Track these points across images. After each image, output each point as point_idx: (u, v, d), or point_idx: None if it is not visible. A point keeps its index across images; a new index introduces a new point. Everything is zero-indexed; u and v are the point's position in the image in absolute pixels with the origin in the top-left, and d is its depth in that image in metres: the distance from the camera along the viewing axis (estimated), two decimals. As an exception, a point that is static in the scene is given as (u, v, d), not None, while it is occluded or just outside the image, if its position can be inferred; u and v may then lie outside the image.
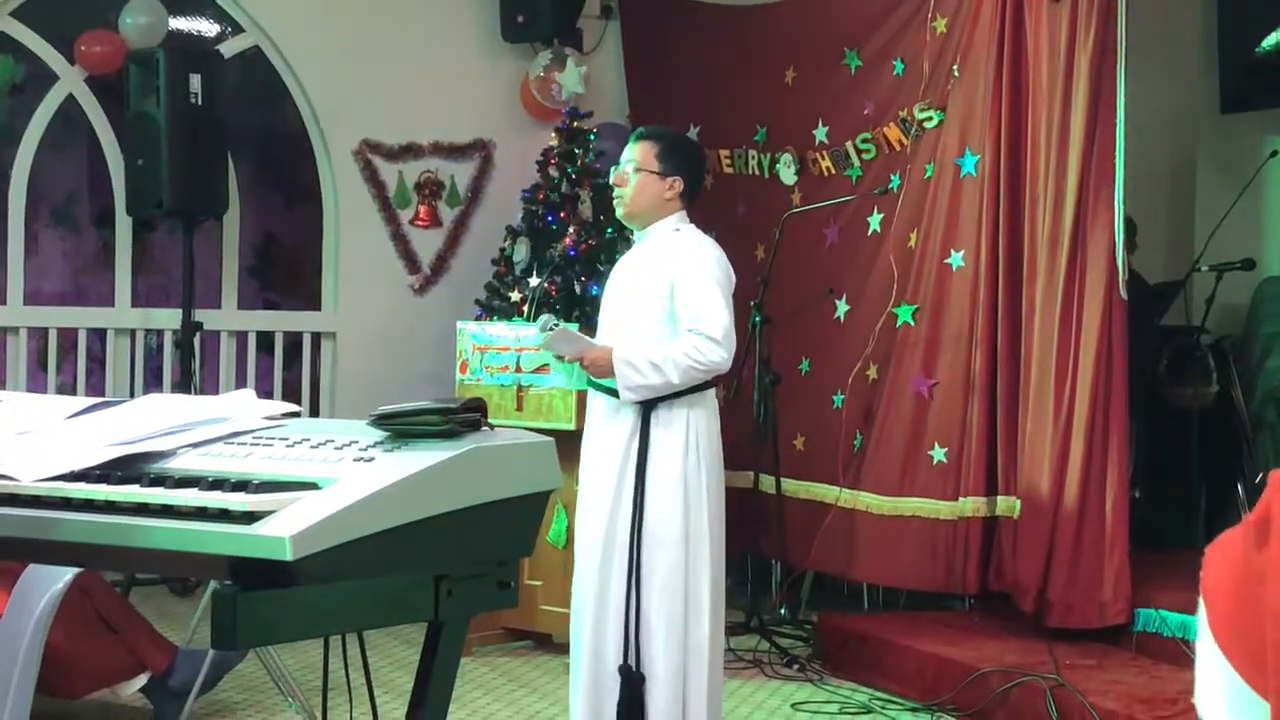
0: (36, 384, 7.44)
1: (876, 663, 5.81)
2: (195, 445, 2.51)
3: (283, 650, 5.27)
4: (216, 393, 7.22)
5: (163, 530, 2.25)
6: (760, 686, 5.81)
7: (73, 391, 7.48)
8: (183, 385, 7.15)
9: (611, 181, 4.51)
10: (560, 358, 4.49)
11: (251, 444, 2.49)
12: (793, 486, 6.74)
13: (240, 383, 7.62)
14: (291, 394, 7.87)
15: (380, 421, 2.45)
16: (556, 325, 4.42)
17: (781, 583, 6.91)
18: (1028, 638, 5.67)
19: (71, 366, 7.74)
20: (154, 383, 7.69)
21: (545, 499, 2.55)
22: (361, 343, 7.86)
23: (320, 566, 2.17)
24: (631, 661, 4.29)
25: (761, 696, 5.67)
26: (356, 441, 2.41)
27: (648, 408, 4.33)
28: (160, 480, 2.36)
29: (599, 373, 4.34)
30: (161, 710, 5.06)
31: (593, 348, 4.36)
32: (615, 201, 4.51)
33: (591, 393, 4.50)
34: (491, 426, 2.50)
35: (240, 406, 2.64)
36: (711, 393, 4.46)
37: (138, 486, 2.36)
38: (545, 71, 7.80)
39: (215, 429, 2.55)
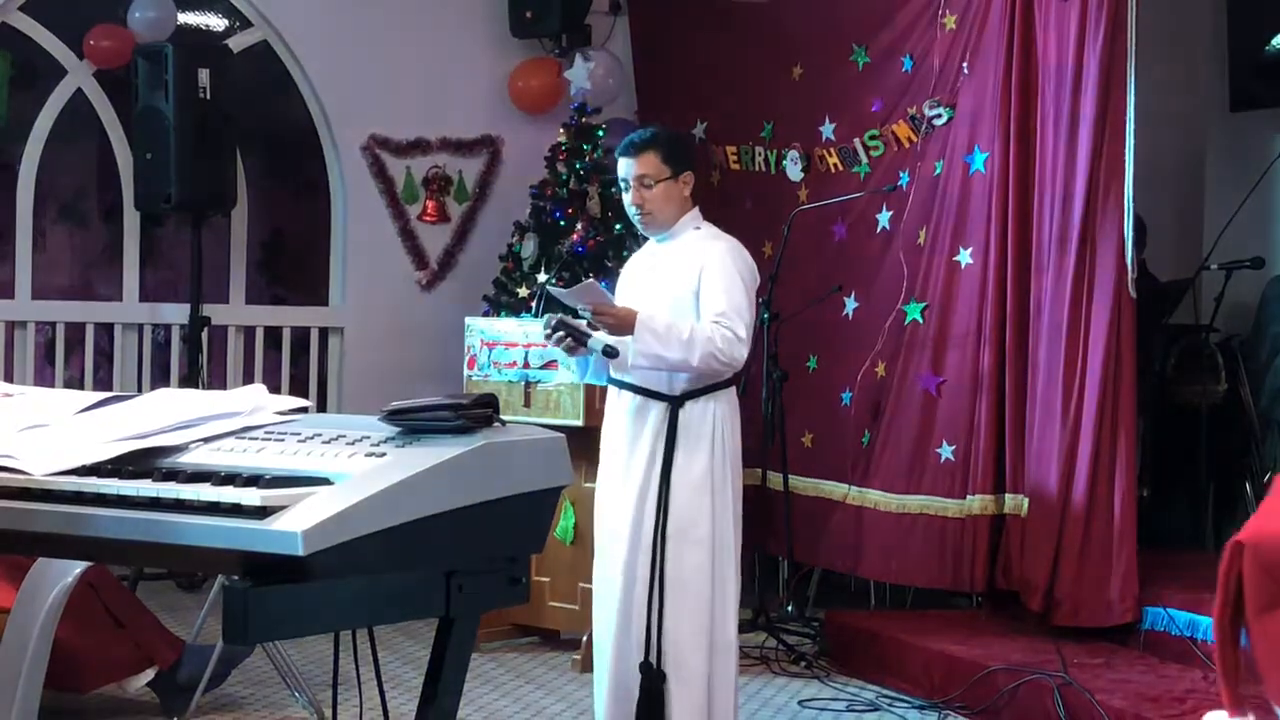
0: (44, 378, 7.45)
1: (884, 660, 5.81)
2: (207, 440, 2.51)
3: (290, 645, 5.27)
4: (224, 388, 7.23)
5: (175, 525, 2.25)
6: (768, 683, 5.81)
7: (80, 386, 7.48)
8: (190, 380, 7.15)
9: (630, 202, 4.45)
10: (568, 339, 4.35)
11: (263, 439, 2.49)
12: (801, 484, 6.73)
13: (248, 378, 7.63)
14: (299, 389, 7.87)
15: (392, 417, 2.45)
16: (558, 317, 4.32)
17: (789, 580, 6.90)
18: (1035, 636, 5.67)
19: (79, 361, 7.74)
20: (161, 377, 7.69)
21: (557, 495, 2.55)
22: (369, 338, 7.85)
23: (332, 562, 2.16)
24: (653, 659, 4.29)
25: (769, 693, 5.67)
26: (368, 437, 2.41)
27: (675, 405, 4.32)
28: (172, 475, 2.36)
29: (616, 330, 4.24)
30: (169, 705, 5.07)
31: (616, 306, 4.29)
32: (640, 221, 4.43)
33: (613, 390, 4.48)
34: (503, 422, 2.50)
35: (251, 401, 2.63)
36: (733, 389, 4.46)
37: (149, 481, 2.36)
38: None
39: (227, 424, 2.55)
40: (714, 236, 4.46)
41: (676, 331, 4.22)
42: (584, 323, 4.30)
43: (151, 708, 5.14)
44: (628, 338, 4.22)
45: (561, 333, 4.25)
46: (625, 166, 4.44)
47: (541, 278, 6.93)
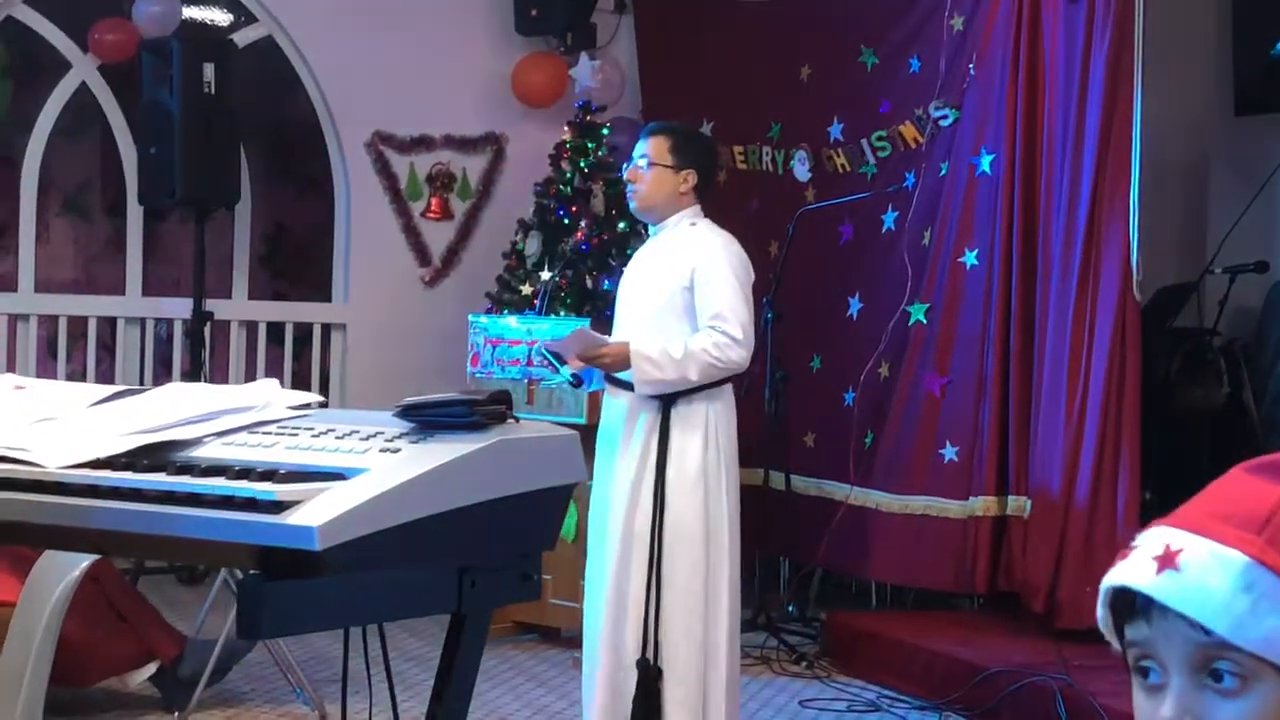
0: (46, 371, 7.45)
1: (885, 661, 5.81)
2: (220, 434, 2.50)
3: (291, 641, 5.27)
4: (226, 383, 7.24)
5: (190, 519, 2.23)
6: (768, 683, 5.81)
7: (82, 380, 7.48)
8: (192, 375, 7.14)
9: (625, 176, 4.53)
10: (559, 371, 4.46)
11: (277, 434, 2.48)
12: (803, 484, 6.73)
13: (250, 373, 7.64)
14: (301, 385, 7.84)
15: (406, 412, 2.44)
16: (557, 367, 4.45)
17: (790, 580, 6.91)
18: (1037, 637, 5.66)
19: (81, 355, 7.74)
20: (163, 372, 7.69)
21: (569, 492, 2.55)
22: (372, 335, 7.85)
23: (347, 557, 2.15)
24: (650, 656, 4.29)
25: (769, 693, 5.67)
26: (382, 432, 2.40)
27: (667, 404, 4.32)
28: (187, 469, 2.34)
29: (614, 368, 4.33)
30: (170, 699, 5.07)
31: (607, 344, 4.35)
32: (629, 196, 4.52)
33: (607, 388, 4.49)
34: (516, 419, 2.49)
35: (264, 396, 2.63)
36: (729, 387, 4.46)
37: (164, 475, 2.34)
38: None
39: (240, 418, 2.54)
40: (707, 232, 4.46)
41: (670, 354, 4.24)
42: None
43: (153, 702, 5.13)
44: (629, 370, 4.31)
45: (543, 359, 4.40)
46: (637, 145, 4.52)
47: (545, 275, 6.92)
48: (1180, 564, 1.26)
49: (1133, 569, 1.29)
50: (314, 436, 2.43)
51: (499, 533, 2.41)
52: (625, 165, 4.61)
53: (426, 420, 2.42)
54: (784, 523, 6.62)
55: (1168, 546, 1.28)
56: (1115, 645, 1.37)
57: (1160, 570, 1.27)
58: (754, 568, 6.80)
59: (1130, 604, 1.29)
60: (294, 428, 2.49)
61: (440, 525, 2.28)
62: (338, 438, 2.41)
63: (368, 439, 2.38)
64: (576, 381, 4.43)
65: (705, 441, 4.34)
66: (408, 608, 2.49)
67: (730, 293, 4.30)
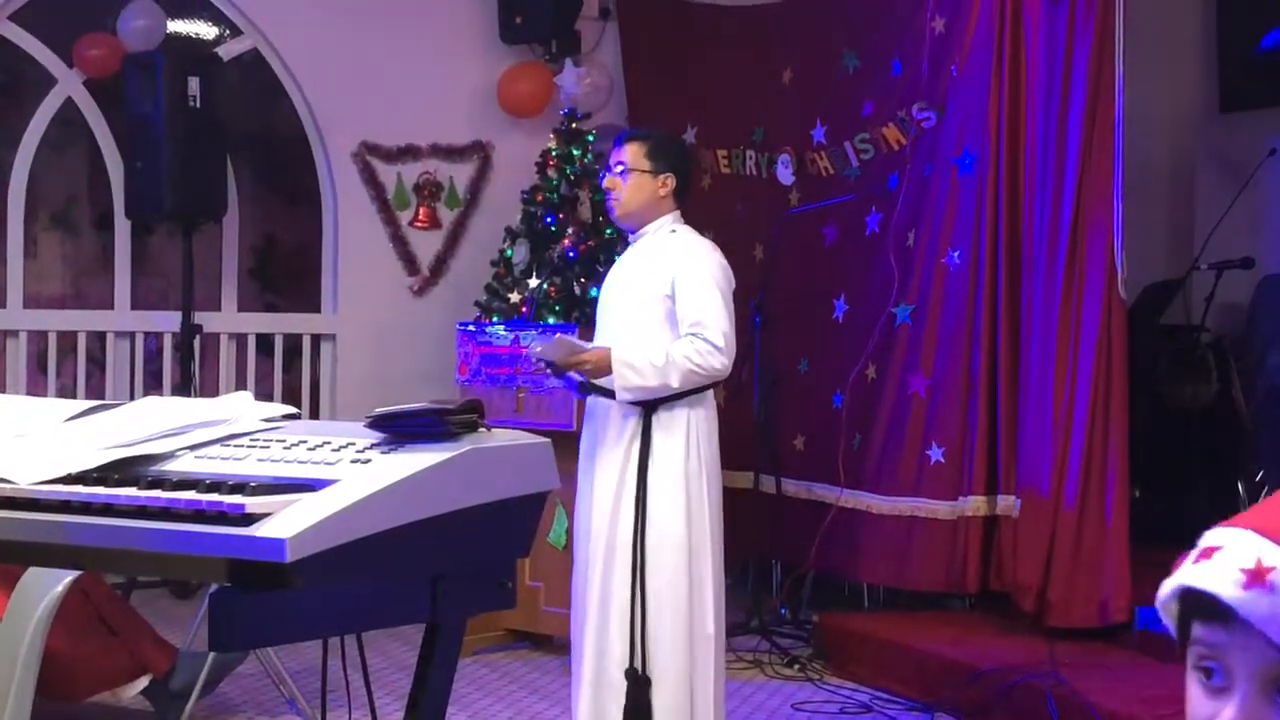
0: (36, 387, 7.45)
1: (877, 662, 5.81)
2: (193, 447, 2.51)
3: (283, 652, 5.27)
4: (216, 395, 7.22)
5: (160, 533, 2.24)
6: (761, 687, 5.81)
7: (73, 394, 7.48)
8: (182, 388, 7.16)
9: (604, 186, 4.53)
10: (548, 373, 4.48)
11: (249, 446, 2.49)
12: (793, 487, 6.74)
13: (240, 385, 7.63)
14: (291, 396, 7.87)
15: (377, 423, 2.45)
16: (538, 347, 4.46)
17: (782, 583, 6.91)
18: (1028, 637, 5.67)
19: (71, 370, 7.74)
20: (154, 385, 7.69)
21: (542, 500, 2.56)
22: (361, 345, 7.85)
23: (317, 568, 2.16)
24: (637, 665, 4.29)
25: (762, 697, 5.67)
26: (353, 443, 2.41)
27: (648, 410, 4.32)
28: (158, 483, 2.35)
29: (596, 374, 4.33)
30: (162, 712, 5.06)
31: (589, 350, 4.35)
32: (610, 205, 4.52)
33: (590, 397, 4.50)
34: (488, 428, 2.50)
35: (238, 408, 2.64)
36: (710, 394, 4.46)
37: (135, 489, 2.35)
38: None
39: (213, 431, 2.55)
40: (687, 239, 4.46)
41: (651, 360, 4.24)
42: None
43: (145, 716, 5.13)
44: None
45: (544, 367, 4.39)
46: (612, 153, 4.52)
47: (533, 283, 6.93)
48: (1271, 583, 1.24)
49: (1217, 576, 1.27)
50: (285, 449, 2.44)
51: (471, 541, 2.42)
52: (603, 175, 4.61)
53: (398, 431, 2.43)
54: (775, 526, 6.62)
55: (1259, 561, 1.26)
56: (1172, 631, 1.35)
57: (1249, 585, 1.25)
58: (746, 571, 6.81)
59: (1202, 601, 1.28)
60: (266, 440, 2.51)
61: (412, 535, 2.29)
62: (309, 449, 2.42)
63: (339, 450, 2.39)
64: (585, 389, 4.41)
65: (687, 448, 4.34)
66: (381, 618, 2.49)
67: (711, 300, 4.31)
